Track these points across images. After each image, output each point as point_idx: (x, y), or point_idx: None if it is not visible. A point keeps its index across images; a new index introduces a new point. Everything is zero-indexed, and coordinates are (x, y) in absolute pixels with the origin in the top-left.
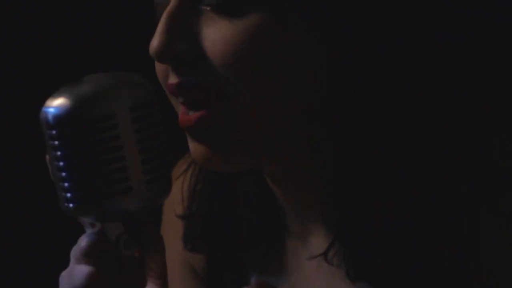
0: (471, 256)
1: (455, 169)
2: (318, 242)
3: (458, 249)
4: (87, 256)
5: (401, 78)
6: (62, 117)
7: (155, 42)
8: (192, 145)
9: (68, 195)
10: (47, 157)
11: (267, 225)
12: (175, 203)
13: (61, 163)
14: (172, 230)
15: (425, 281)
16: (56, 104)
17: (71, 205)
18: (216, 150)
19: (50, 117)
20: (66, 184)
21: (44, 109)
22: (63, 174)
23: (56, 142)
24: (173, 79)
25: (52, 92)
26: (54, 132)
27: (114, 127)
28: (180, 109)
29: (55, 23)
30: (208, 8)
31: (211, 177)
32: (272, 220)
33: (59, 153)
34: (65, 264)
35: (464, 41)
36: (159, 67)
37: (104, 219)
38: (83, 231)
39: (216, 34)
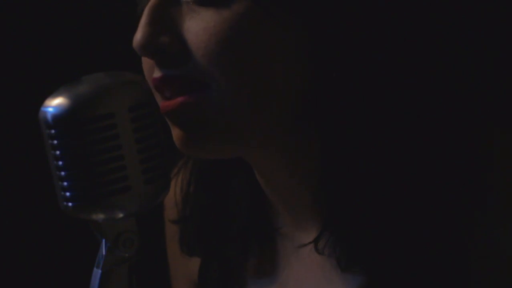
0: (462, 246)
1: (445, 163)
2: (308, 240)
3: (449, 239)
4: None
5: (385, 68)
6: (61, 117)
7: (138, 35)
8: (174, 131)
9: (67, 194)
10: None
11: (259, 227)
12: (168, 208)
13: (60, 163)
14: (177, 247)
15: (415, 269)
16: (55, 103)
17: (70, 204)
18: (197, 136)
19: (49, 116)
20: (65, 183)
21: (43, 108)
22: (62, 173)
23: (55, 142)
24: (157, 73)
25: (51, 92)
26: (53, 131)
27: (113, 126)
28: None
29: (55, 23)
30: (190, 0)
31: (202, 180)
32: (263, 222)
33: (58, 152)
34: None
35: (448, 37)
36: (145, 63)
37: (103, 218)
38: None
39: (199, 25)
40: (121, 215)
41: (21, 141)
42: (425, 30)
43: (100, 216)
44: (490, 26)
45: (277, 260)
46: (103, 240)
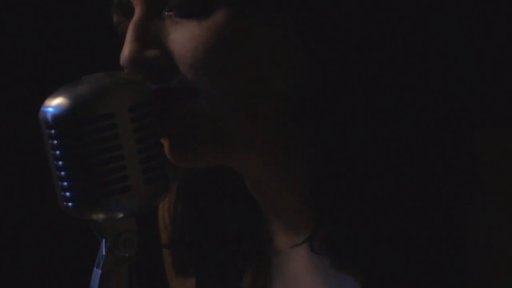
0: (461, 246)
1: (443, 164)
2: (300, 249)
3: (447, 239)
4: None
5: (383, 68)
6: (61, 117)
7: (125, 51)
8: (166, 142)
9: (67, 194)
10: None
11: (251, 241)
12: (160, 232)
13: (60, 163)
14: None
15: (413, 268)
16: (55, 103)
17: (70, 204)
18: (190, 143)
19: (49, 116)
20: (65, 183)
21: (43, 108)
22: (62, 173)
23: (55, 142)
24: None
25: (51, 92)
26: (53, 131)
27: (113, 126)
28: None
29: (55, 23)
30: (172, 13)
31: (189, 199)
32: (256, 235)
33: (58, 152)
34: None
35: (447, 36)
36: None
37: (103, 218)
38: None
39: (184, 36)
40: (121, 215)
41: (21, 141)
42: (422, 29)
43: (100, 216)
44: (488, 26)
45: (271, 272)
46: (103, 240)
